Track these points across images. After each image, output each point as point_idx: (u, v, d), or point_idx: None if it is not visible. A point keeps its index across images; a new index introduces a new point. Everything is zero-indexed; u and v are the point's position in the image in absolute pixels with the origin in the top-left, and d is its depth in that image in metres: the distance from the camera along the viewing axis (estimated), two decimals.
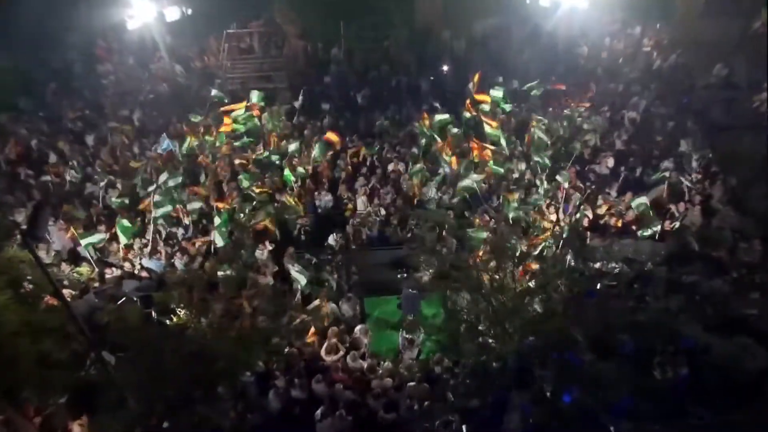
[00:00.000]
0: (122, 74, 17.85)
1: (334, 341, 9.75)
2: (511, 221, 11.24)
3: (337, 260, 11.51)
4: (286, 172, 12.80)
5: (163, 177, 11.73)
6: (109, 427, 6.93)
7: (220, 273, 9.96)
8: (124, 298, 10.09)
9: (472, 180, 11.93)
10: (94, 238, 10.86)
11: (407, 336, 9.99)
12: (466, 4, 18.69)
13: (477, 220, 11.56)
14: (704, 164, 12.84)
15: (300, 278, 10.57)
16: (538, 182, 12.56)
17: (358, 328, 10.28)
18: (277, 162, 13.32)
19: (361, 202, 12.93)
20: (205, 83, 17.08)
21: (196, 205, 11.87)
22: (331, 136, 13.66)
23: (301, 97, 16.12)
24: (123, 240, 11.15)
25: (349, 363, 9.54)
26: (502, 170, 12.44)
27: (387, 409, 8.70)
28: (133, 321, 7.99)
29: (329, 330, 9.93)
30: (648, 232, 11.22)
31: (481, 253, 9.34)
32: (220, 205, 11.74)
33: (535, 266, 8.80)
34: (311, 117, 15.86)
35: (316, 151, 13.24)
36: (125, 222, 11.12)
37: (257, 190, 12.41)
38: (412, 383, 9.00)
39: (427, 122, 13.64)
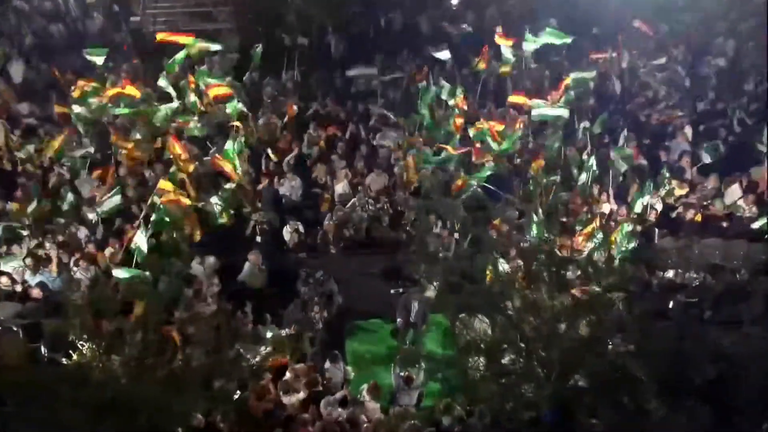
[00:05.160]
0: None
1: (291, 376, 9.79)
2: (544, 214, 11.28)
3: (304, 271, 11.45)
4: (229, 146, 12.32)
5: None
6: None
7: None
8: None
9: None
10: None
11: (403, 374, 9.91)
12: None
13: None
14: None
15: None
16: (584, 158, 12.60)
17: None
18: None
19: (340, 189, 12.96)
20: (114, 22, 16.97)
21: (116, 199, 11.76)
22: None
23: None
24: None
25: (323, 411, 9.46)
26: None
27: None
28: (12, 360, 7.94)
29: (294, 365, 10.00)
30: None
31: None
32: None
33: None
34: (268, 73, 15.79)
35: None
36: None
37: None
38: None
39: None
